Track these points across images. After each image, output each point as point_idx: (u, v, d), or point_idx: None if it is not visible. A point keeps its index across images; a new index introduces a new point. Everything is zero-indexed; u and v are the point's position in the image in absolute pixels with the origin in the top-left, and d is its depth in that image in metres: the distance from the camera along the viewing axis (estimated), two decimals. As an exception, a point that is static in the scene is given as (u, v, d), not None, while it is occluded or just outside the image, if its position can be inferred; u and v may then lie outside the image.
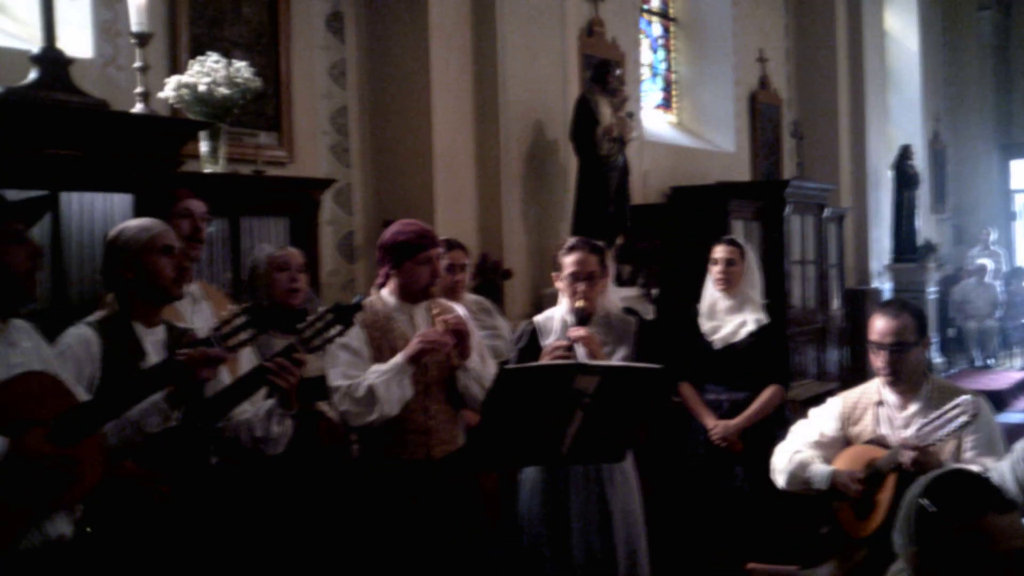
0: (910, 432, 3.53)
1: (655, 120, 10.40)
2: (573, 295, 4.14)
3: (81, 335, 3.09)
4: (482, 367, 3.76)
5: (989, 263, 14.20)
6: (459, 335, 3.66)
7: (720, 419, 4.83)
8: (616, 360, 4.09)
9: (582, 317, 4.06)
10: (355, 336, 3.60)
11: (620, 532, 4.11)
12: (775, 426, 4.63)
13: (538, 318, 4.38)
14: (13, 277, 2.73)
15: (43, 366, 2.79)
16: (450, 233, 5.42)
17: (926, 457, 3.41)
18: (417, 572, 3.62)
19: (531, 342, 4.26)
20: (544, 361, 3.89)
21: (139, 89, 4.45)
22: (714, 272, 4.95)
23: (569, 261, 4.17)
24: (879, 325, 3.67)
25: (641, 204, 8.38)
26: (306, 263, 4.34)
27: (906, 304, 3.76)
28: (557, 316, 4.28)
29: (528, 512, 4.16)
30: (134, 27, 4.43)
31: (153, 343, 3.18)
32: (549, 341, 4.17)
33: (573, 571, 3.98)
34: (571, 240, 4.30)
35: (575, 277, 4.14)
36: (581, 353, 3.80)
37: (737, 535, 4.74)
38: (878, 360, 3.69)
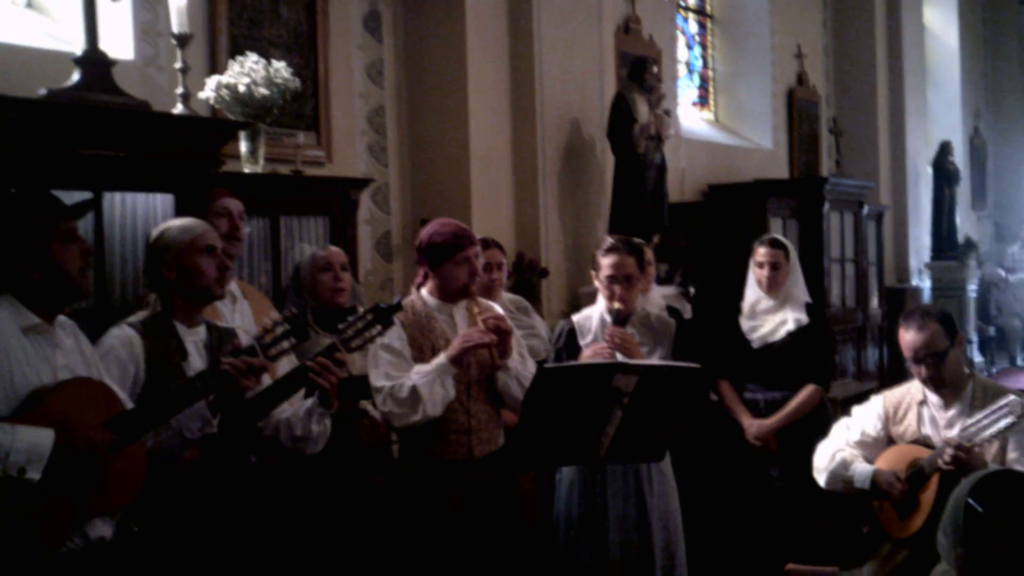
0: (954, 432, 3.50)
1: (692, 117, 10.35)
2: (610, 297, 4.13)
3: (124, 336, 3.10)
4: (522, 366, 3.73)
5: (1001, 271, 14.10)
6: (500, 334, 3.64)
7: (756, 419, 4.81)
8: (654, 360, 4.07)
9: (618, 319, 4.04)
10: (396, 337, 3.60)
11: (658, 532, 4.09)
12: (813, 426, 4.59)
13: (576, 317, 4.36)
14: (66, 276, 2.76)
15: (86, 366, 2.82)
16: (486, 232, 5.42)
17: (970, 457, 3.37)
18: (456, 572, 3.62)
19: (569, 341, 4.25)
20: (583, 360, 3.87)
21: (179, 90, 4.49)
22: (759, 275, 4.88)
23: (607, 263, 4.13)
24: (908, 340, 3.64)
25: (678, 202, 8.34)
26: (347, 261, 4.36)
27: (927, 311, 3.72)
28: (596, 315, 4.25)
29: (565, 512, 4.15)
30: (174, 28, 4.47)
31: (195, 343, 3.20)
32: (587, 340, 4.15)
33: (610, 571, 3.96)
34: (609, 240, 4.24)
35: (612, 280, 4.11)
36: (619, 355, 3.79)
37: (774, 535, 4.71)
38: (918, 373, 3.66)
